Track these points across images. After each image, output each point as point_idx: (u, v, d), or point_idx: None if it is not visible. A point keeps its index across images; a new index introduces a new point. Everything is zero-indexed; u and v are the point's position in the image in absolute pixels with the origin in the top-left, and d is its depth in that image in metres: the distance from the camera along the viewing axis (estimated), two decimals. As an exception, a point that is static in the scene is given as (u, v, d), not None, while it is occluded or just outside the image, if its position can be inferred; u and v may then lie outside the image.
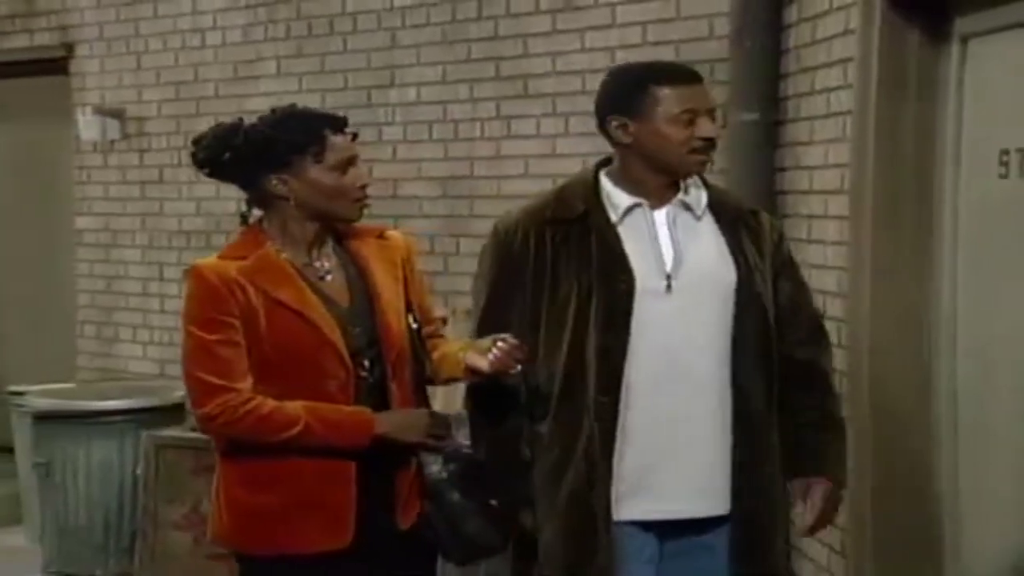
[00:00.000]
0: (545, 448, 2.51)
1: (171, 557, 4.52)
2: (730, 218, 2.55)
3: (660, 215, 2.53)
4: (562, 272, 2.50)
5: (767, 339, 2.52)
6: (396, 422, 2.50)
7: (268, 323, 2.47)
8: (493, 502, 2.56)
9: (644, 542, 2.51)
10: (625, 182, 2.53)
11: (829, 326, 3.37)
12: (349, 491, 2.48)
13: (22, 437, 5.20)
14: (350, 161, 2.51)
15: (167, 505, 4.52)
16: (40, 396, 5.04)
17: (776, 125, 3.87)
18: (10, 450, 5.44)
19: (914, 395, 3.17)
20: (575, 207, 2.54)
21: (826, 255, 3.48)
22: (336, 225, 2.58)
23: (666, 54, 4.26)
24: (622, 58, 4.39)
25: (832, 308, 3.40)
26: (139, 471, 4.63)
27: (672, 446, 2.48)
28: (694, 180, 2.57)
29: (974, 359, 3.03)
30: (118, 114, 5.83)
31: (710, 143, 2.49)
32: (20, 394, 5.20)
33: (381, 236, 2.63)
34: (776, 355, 2.54)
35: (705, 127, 2.47)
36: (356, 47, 5.13)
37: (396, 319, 2.54)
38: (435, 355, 2.63)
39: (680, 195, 2.53)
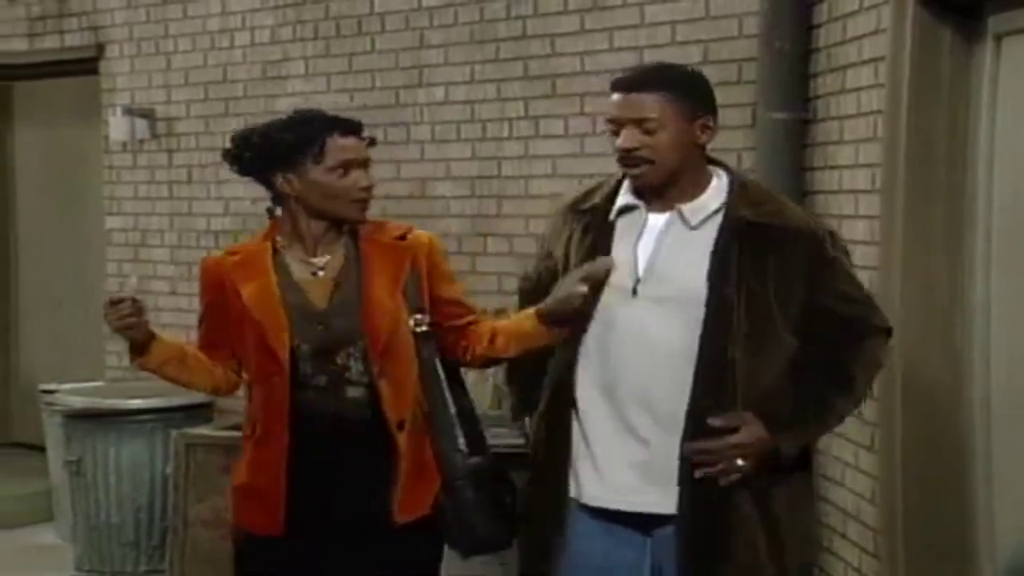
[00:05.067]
0: (537, 416, 2.69)
1: (201, 554, 4.54)
2: (731, 232, 2.52)
3: (658, 219, 2.57)
4: (570, 257, 2.62)
5: (728, 359, 2.48)
6: None
7: (235, 315, 2.67)
8: (508, 499, 2.68)
9: (613, 528, 2.55)
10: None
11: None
12: (280, 482, 2.62)
13: (53, 435, 5.24)
14: (352, 163, 2.63)
15: (197, 503, 4.55)
16: (71, 395, 5.08)
17: (805, 124, 3.86)
18: (41, 448, 5.49)
19: (947, 396, 3.15)
20: (592, 200, 2.65)
21: (856, 255, 3.45)
22: (345, 223, 2.67)
23: (695, 53, 4.26)
24: (650, 57, 4.38)
25: (863, 308, 3.39)
26: (169, 469, 4.65)
27: (618, 440, 2.54)
28: (712, 187, 2.57)
29: (1008, 360, 3.02)
30: (147, 114, 5.86)
31: (627, 156, 2.55)
32: (51, 392, 5.25)
33: (402, 237, 2.70)
34: (743, 376, 2.49)
35: (618, 139, 2.55)
36: (384, 47, 5.15)
37: (384, 319, 2.62)
38: (495, 338, 2.71)
39: (678, 203, 2.54)
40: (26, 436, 6.31)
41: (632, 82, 2.54)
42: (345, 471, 2.61)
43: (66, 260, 6.45)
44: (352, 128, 2.65)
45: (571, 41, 4.63)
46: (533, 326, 2.65)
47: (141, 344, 2.63)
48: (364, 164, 2.65)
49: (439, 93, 5.00)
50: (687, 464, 2.50)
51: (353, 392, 2.61)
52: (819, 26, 3.78)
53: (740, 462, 2.48)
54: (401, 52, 5.09)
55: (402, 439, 2.61)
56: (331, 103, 5.29)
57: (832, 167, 3.67)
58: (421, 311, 2.66)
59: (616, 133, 2.54)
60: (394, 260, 2.66)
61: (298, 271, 2.66)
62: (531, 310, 2.67)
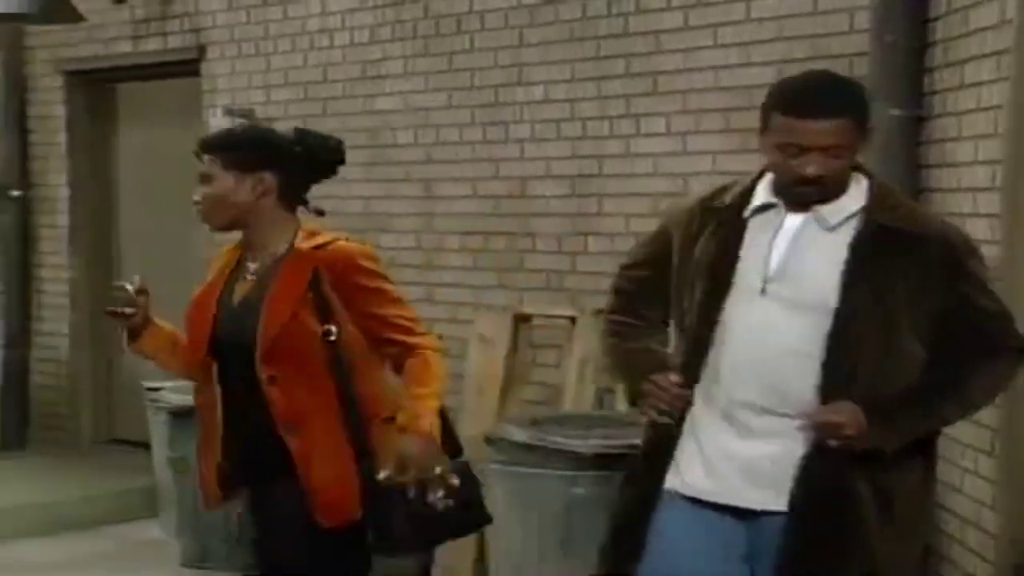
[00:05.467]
0: None
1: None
2: (867, 236, 2.48)
3: (795, 219, 2.52)
4: (696, 253, 2.59)
5: (853, 365, 2.44)
6: None
7: None
8: (441, 504, 2.69)
9: (710, 518, 2.52)
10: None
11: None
12: (211, 463, 2.78)
13: (158, 432, 5.32)
14: (200, 179, 2.81)
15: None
16: (174, 392, 5.14)
17: (920, 121, 3.77)
18: (146, 445, 5.58)
19: (1074, 400, 3.04)
20: (723, 197, 2.62)
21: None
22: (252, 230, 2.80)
23: (801, 49, 4.19)
24: (756, 54, 4.32)
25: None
26: (272, 467, 4.69)
27: (730, 437, 2.51)
28: (853, 189, 2.52)
29: None
30: (247, 114, 5.92)
31: (814, 181, 2.46)
32: (156, 390, 5.33)
33: (321, 247, 2.76)
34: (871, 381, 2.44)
35: (805, 165, 2.45)
36: (483, 45, 5.14)
37: (271, 326, 2.69)
38: (399, 376, 2.75)
39: (817, 204, 2.50)
40: (131, 433, 6.41)
41: (821, 108, 2.46)
42: (251, 469, 2.75)
43: (167, 259, 6.54)
44: (201, 148, 2.80)
45: (674, 38, 4.58)
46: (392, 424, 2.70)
47: (137, 330, 2.82)
48: (201, 179, 2.80)
49: (538, 92, 4.97)
50: (803, 465, 2.46)
51: (248, 394, 2.71)
52: (936, 19, 3.69)
53: (833, 442, 2.44)
54: (500, 50, 5.08)
55: (295, 444, 2.67)
56: (429, 102, 5.32)
57: (950, 164, 3.58)
58: (330, 321, 2.69)
59: (794, 156, 2.46)
60: (299, 269, 2.72)
61: (241, 273, 2.81)
62: (428, 405, 2.69)
